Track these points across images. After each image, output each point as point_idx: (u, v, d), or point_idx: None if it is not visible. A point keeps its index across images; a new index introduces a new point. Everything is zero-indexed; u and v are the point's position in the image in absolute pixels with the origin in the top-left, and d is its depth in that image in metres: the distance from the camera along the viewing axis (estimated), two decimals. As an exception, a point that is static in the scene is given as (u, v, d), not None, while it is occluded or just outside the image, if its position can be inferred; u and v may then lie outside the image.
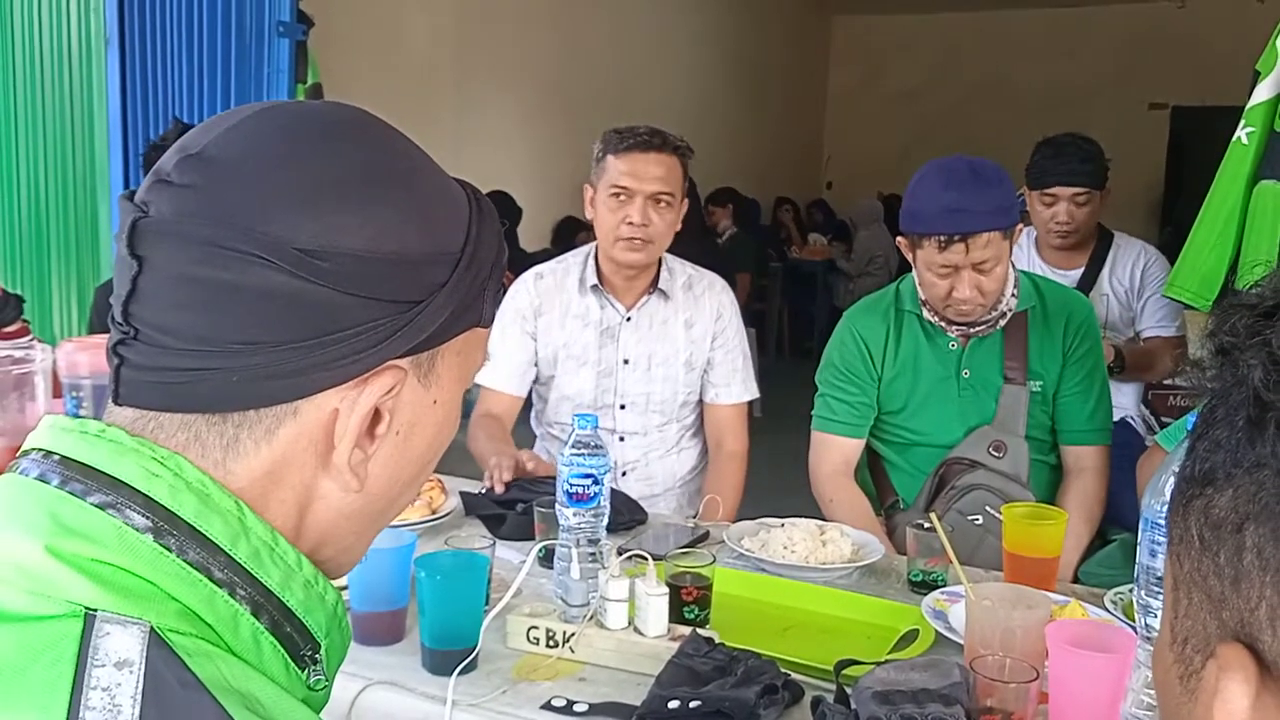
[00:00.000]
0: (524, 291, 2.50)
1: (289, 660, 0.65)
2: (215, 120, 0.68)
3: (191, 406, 0.64)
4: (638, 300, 2.48)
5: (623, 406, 2.49)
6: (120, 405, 0.66)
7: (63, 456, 0.63)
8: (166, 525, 0.61)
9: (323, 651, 0.68)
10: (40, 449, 0.64)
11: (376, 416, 0.68)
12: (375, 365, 0.66)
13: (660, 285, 2.48)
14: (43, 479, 0.62)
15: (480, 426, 2.45)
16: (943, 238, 2.07)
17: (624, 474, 2.50)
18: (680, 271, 2.53)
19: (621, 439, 2.50)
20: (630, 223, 2.33)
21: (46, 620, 0.58)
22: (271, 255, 0.62)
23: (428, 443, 0.73)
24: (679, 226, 2.43)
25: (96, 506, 0.61)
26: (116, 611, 0.58)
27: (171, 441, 0.65)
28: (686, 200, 2.45)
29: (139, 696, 0.55)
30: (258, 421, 0.65)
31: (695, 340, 2.49)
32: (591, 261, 2.48)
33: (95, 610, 0.58)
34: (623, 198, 2.34)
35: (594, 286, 2.46)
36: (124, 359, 0.65)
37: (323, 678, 0.69)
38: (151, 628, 0.58)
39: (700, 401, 2.56)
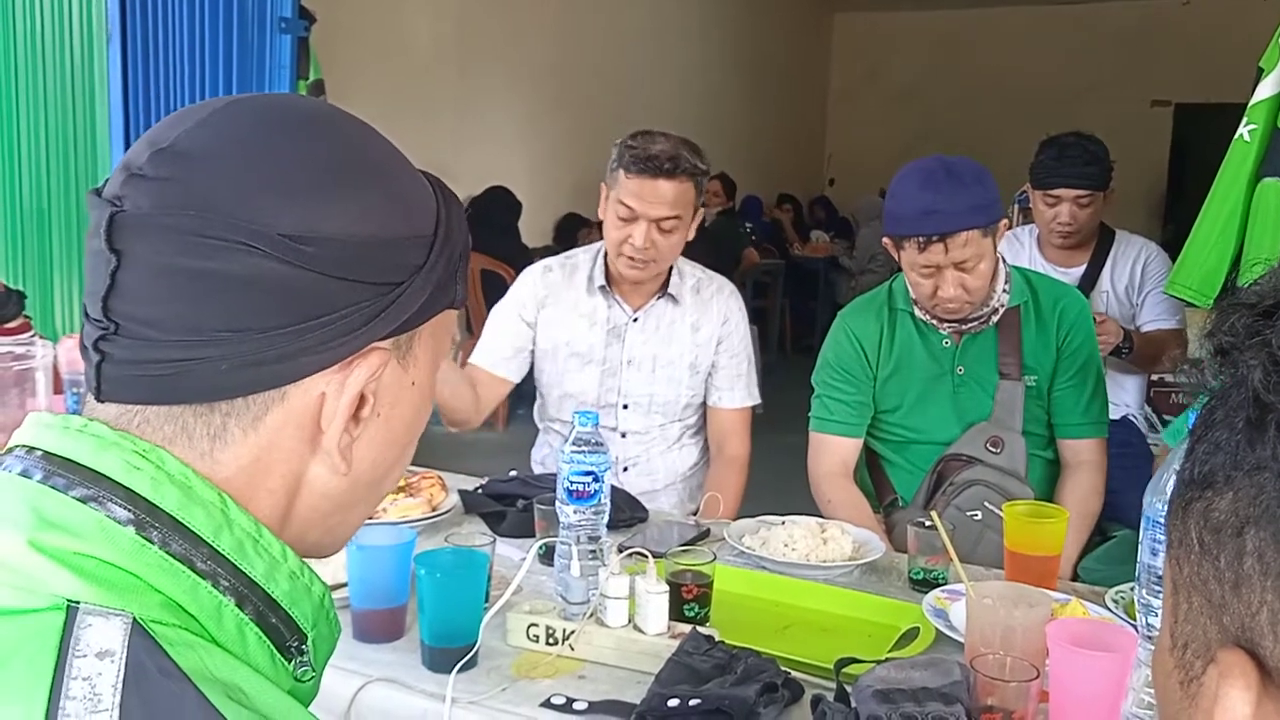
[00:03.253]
0: (530, 282, 2.50)
1: (274, 651, 0.66)
2: (181, 115, 0.68)
3: (179, 398, 0.65)
4: (646, 302, 2.47)
5: (625, 406, 2.49)
6: (103, 402, 0.66)
7: (45, 452, 0.63)
8: (149, 518, 0.62)
9: (309, 643, 0.68)
10: (24, 445, 0.64)
11: (361, 399, 0.69)
12: (360, 347, 0.67)
13: (670, 289, 2.47)
14: (25, 474, 0.62)
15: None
16: (921, 239, 2.08)
17: (625, 469, 2.50)
18: (690, 274, 2.51)
19: (623, 435, 2.50)
20: (632, 244, 2.32)
21: (29, 614, 0.58)
22: (256, 241, 0.62)
23: (407, 424, 0.74)
24: (690, 236, 2.40)
25: (79, 500, 0.61)
26: (99, 604, 0.59)
27: (158, 435, 0.65)
28: (702, 211, 2.42)
29: (119, 685, 0.55)
30: (245, 409, 0.66)
31: (700, 344, 2.48)
32: (601, 261, 2.47)
33: (78, 603, 0.58)
34: (627, 218, 2.31)
35: (601, 287, 2.45)
36: (105, 355, 0.64)
37: (309, 669, 0.69)
38: (134, 619, 0.58)
39: (704, 403, 2.56)
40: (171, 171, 0.64)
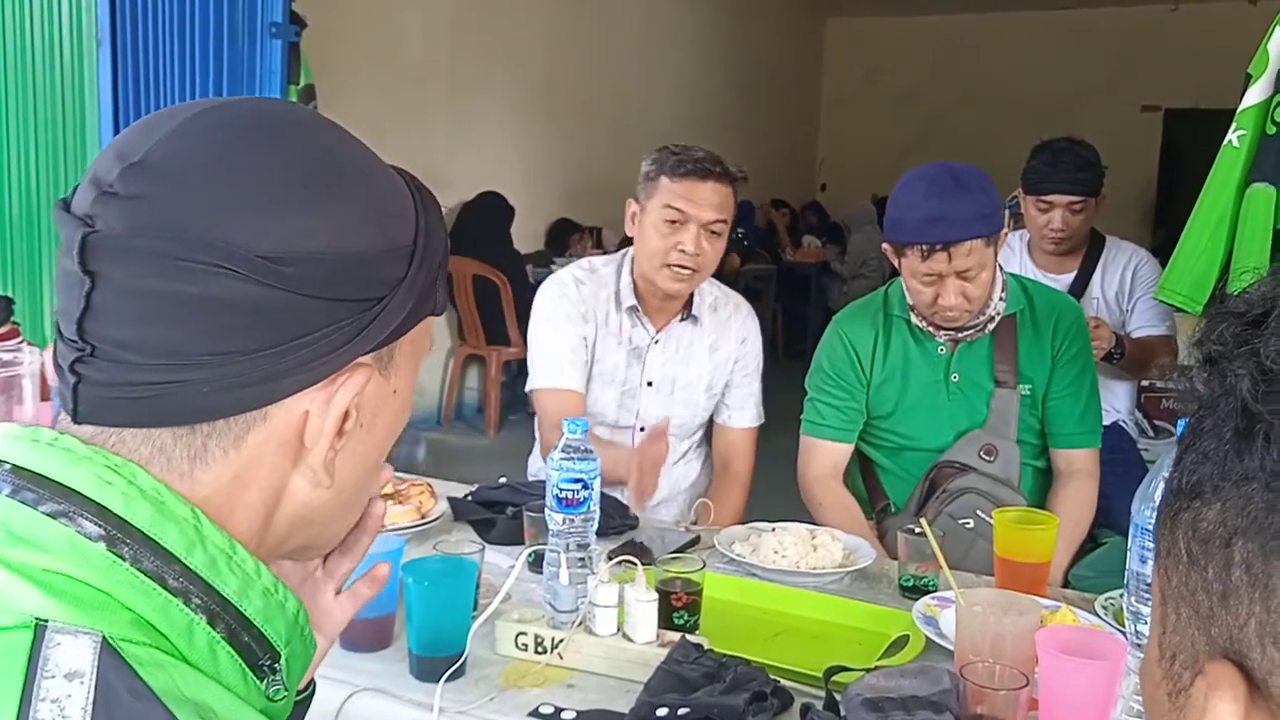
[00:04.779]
0: (570, 295, 2.40)
1: (246, 670, 0.65)
2: (150, 124, 0.66)
3: (159, 420, 0.64)
4: (667, 322, 2.43)
5: (642, 429, 2.43)
6: (80, 424, 0.65)
7: (14, 465, 0.62)
8: (120, 534, 0.60)
9: (283, 661, 0.67)
10: None
11: (345, 414, 0.68)
12: (343, 365, 0.66)
13: (692, 309, 2.42)
14: None
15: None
16: (925, 247, 2.06)
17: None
18: (708, 292, 2.46)
19: None
20: (683, 250, 2.26)
21: None
22: (234, 264, 0.61)
23: (387, 431, 0.74)
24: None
25: (48, 515, 0.60)
26: (68, 622, 0.57)
27: (135, 455, 0.64)
28: None
29: (89, 708, 0.54)
30: (227, 430, 0.65)
31: (717, 364, 2.45)
32: (628, 277, 2.39)
33: (46, 621, 0.57)
34: (676, 223, 2.26)
35: (631, 307, 2.39)
36: (82, 377, 0.63)
37: (282, 687, 0.68)
38: (103, 637, 0.57)
39: (710, 421, 2.53)
40: (143, 189, 0.62)
